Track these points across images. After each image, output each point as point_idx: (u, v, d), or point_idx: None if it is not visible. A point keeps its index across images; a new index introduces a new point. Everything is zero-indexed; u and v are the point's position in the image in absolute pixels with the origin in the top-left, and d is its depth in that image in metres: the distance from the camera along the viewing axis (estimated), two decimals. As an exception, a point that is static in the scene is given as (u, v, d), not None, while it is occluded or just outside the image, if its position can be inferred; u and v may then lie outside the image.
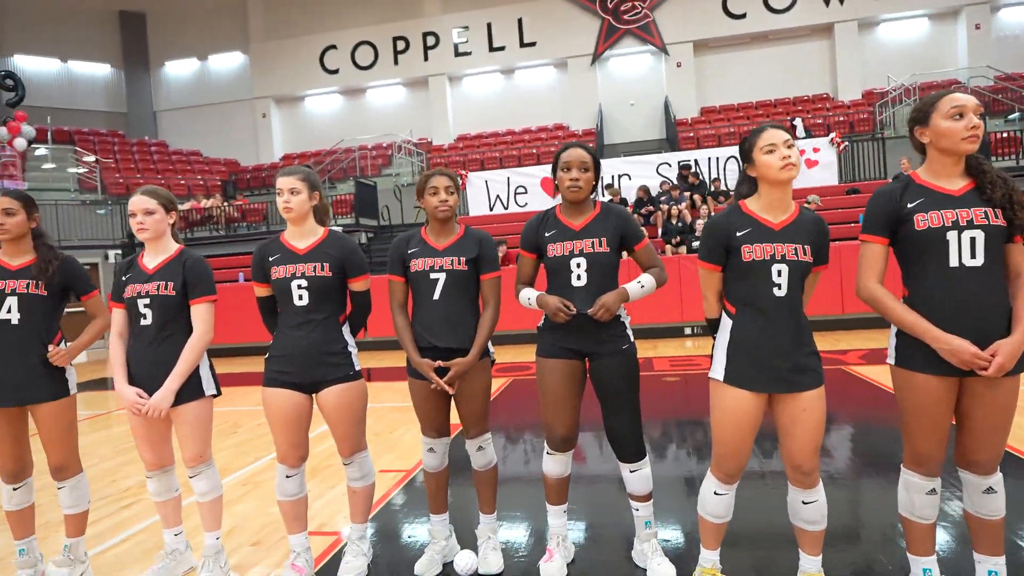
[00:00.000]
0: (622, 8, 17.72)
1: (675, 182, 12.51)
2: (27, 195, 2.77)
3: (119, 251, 14.52)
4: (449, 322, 2.64)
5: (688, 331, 10.09)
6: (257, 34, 19.96)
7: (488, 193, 13.78)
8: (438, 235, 2.71)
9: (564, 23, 18.05)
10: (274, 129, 20.19)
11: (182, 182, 17.53)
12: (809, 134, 14.33)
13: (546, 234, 2.56)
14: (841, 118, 15.22)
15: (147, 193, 2.66)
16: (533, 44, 18.29)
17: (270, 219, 15.00)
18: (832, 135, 12.57)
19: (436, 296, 2.64)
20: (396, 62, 19.14)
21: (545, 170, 13.93)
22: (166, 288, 2.60)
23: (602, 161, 13.88)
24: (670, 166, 12.99)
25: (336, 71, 19.50)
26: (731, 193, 12.83)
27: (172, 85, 20.97)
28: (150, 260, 2.68)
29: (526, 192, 13.71)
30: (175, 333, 2.63)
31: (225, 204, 14.92)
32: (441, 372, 2.64)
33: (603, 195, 13.00)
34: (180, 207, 15.07)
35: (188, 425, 2.65)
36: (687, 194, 11.68)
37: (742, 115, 16.83)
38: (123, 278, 2.67)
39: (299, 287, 2.58)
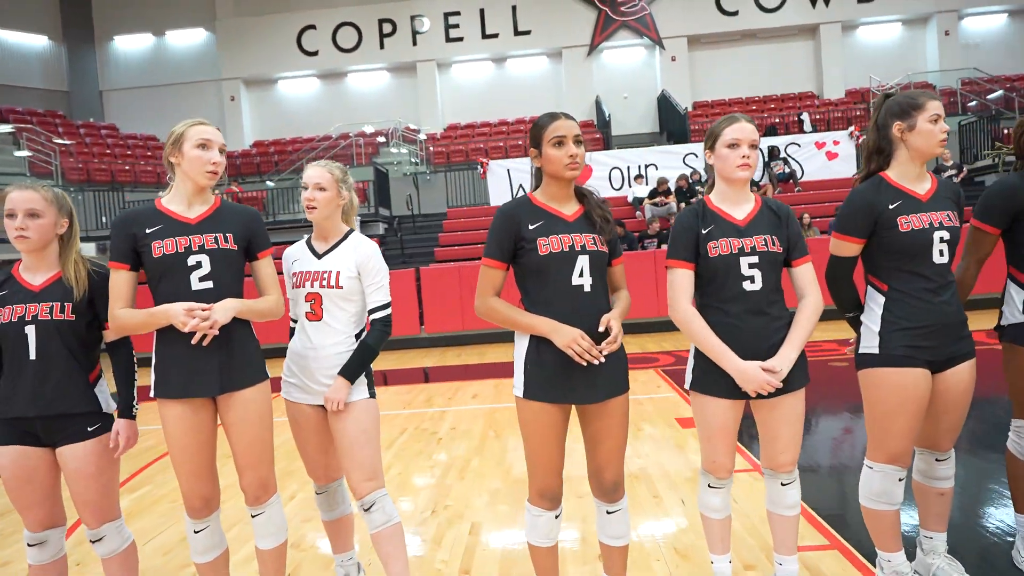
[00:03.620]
0: (619, 0, 17.82)
1: (704, 173, 12.67)
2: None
3: (93, 243, 13.09)
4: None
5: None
6: (225, 9, 18.58)
7: (510, 181, 13.45)
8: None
9: (560, 13, 17.95)
10: (244, 113, 18.88)
11: (128, 168, 15.80)
12: (815, 129, 14.94)
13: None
14: (839, 114, 16.00)
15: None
16: (527, 32, 18.07)
17: (269, 208, 13.97)
18: (852, 128, 13.15)
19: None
20: (382, 46, 18.37)
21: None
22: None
23: (627, 151, 14.31)
24: (696, 156, 13.15)
25: (315, 53, 18.47)
26: (761, 184, 13.27)
27: (122, 62, 19.16)
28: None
29: (549, 181, 13.47)
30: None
31: (215, 192, 13.70)
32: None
33: (630, 184, 13.01)
34: (163, 194, 13.92)
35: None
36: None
37: (735, 110, 17.33)
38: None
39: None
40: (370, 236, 13.31)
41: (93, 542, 2.28)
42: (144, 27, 18.93)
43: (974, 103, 15.63)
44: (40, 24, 18.24)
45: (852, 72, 17.78)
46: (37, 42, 18.39)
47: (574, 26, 17.98)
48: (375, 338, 2.36)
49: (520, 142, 16.23)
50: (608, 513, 2.18)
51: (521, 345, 2.08)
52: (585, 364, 1.97)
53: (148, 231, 2.16)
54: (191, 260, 2.15)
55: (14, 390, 2.16)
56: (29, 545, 2.23)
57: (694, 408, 2.24)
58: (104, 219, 14.03)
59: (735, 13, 17.80)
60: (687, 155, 13.25)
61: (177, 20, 18.84)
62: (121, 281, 2.17)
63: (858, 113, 15.91)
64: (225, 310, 2.12)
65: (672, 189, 11.99)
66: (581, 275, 2.03)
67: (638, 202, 12.32)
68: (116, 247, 2.17)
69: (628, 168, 13.32)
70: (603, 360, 1.98)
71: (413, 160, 16.54)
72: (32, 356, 2.16)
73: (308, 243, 2.48)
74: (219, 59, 18.66)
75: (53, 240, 2.21)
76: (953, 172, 11.50)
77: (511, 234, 2.05)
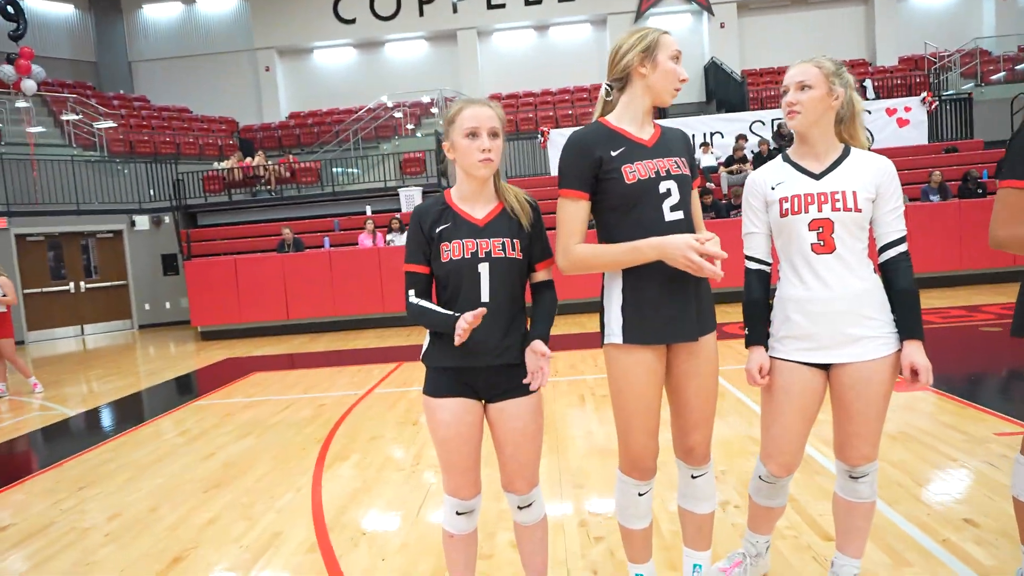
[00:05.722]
0: (667, -36, 17.26)
1: (772, 141, 12.32)
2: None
3: (147, 215, 12.78)
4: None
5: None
6: (258, -24, 17.97)
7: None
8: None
9: (606, -23, 17.39)
10: (279, 84, 18.37)
11: (169, 140, 15.34)
12: (878, 96, 14.54)
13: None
14: (899, 81, 15.56)
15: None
16: (572, -1, 17.52)
17: (325, 180, 13.59)
18: (924, 95, 12.77)
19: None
20: (421, 13, 17.82)
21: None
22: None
23: (690, 119, 13.93)
24: (763, 124, 12.80)
25: (352, 21, 17.93)
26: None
27: (151, 32, 18.59)
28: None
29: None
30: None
31: (270, 163, 13.35)
32: None
33: (700, 152, 12.65)
34: (219, 166, 13.51)
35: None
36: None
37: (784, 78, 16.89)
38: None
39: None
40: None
41: (521, 508, 2.02)
42: (173, -6, 18.35)
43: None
44: (67, -8, 17.67)
45: (906, 39, 17.31)
46: (64, 11, 17.82)
47: (621, -8, 17.45)
48: (908, 279, 1.94)
49: (570, 112, 15.83)
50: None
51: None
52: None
53: (614, 153, 1.87)
54: (662, 187, 1.87)
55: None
56: (458, 513, 1.99)
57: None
58: (152, 191, 13.67)
59: (786, -23, 17.27)
60: (754, 122, 12.88)
61: (208, -13, 18.26)
62: (580, 213, 1.89)
63: (918, 80, 15.49)
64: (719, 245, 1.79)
65: (749, 156, 11.64)
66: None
67: (710, 171, 11.98)
68: (577, 173, 1.88)
69: (692, 136, 12.94)
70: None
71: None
72: (485, 298, 1.89)
73: (790, 161, 2.05)
74: (252, 28, 18.10)
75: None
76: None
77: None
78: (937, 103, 12.91)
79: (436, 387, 1.94)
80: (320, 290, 10.22)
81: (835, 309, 1.92)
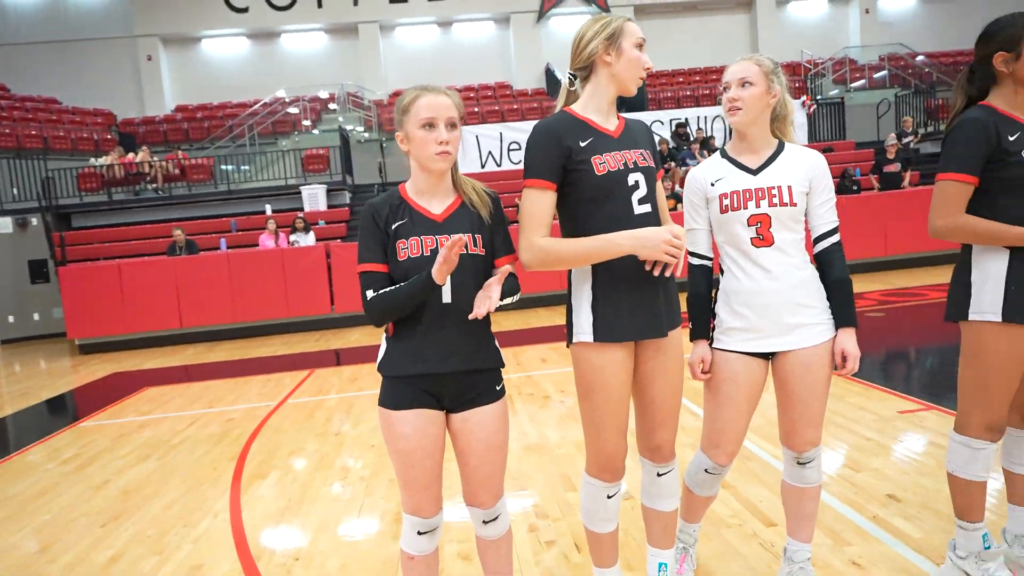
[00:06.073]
0: (568, -34, 17.55)
1: (671, 141, 12.82)
2: None
3: (10, 217, 11.41)
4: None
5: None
6: (136, -43, 16.56)
7: (479, 148, 13.02)
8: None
9: (508, -24, 17.43)
10: (164, 75, 17.02)
11: (35, 134, 13.79)
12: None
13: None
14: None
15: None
16: (475, -4, 17.42)
17: (219, 178, 12.70)
18: (804, 98, 13.72)
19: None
20: (320, 4, 17.09)
21: (539, 125, 13.50)
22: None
23: None
24: (663, 124, 13.28)
25: (245, 10, 16.92)
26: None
27: (11, 15, 16.66)
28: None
29: (520, 149, 13.17)
30: None
31: (156, 159, 12.31)
32: None
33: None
34: (97, 162, 12.28)
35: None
36: (700, 149, 12.04)
37: (681, 80, 17.68)
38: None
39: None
40: (338, 206, 12.49)
41: (486, 523, 1.87)
42: (37, -26, 16.56)
43: (882, 74, 16.77)
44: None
45: (785, 46, 18.55)
46: (-99, -14, 15.65)
47: (523, -9, 17.56)
48: (842, 268, 2.01)
49: (476, 109, 15.73)
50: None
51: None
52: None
53: (583, 144, 1.77)
54: (631, 179, 1.81)
55: (424, 340, 1.75)
56: (419, 533, 1.81)
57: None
58: (15, 190, 12.24)
59: (679, -16, 18.04)
60: (653, 122, 13.33)
61: (78, -33, 16.62)
62: (547, 204, 1.79)
63: (797, 85, 16.64)
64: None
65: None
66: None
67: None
68: (545, 162, 1.78)
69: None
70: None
71: (358, 128, 15.66)
72: (447, 299, 1.74)
73: (728, 157, 2.06)
74: (133, 14, 16.65)
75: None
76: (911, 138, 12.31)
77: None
78: (815, 106, 13.92)
79: (395, 398, 1.78)
80: (218, 295, 9.53)
81: (776, 300, 1.95)
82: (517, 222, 1.86)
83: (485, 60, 17.91)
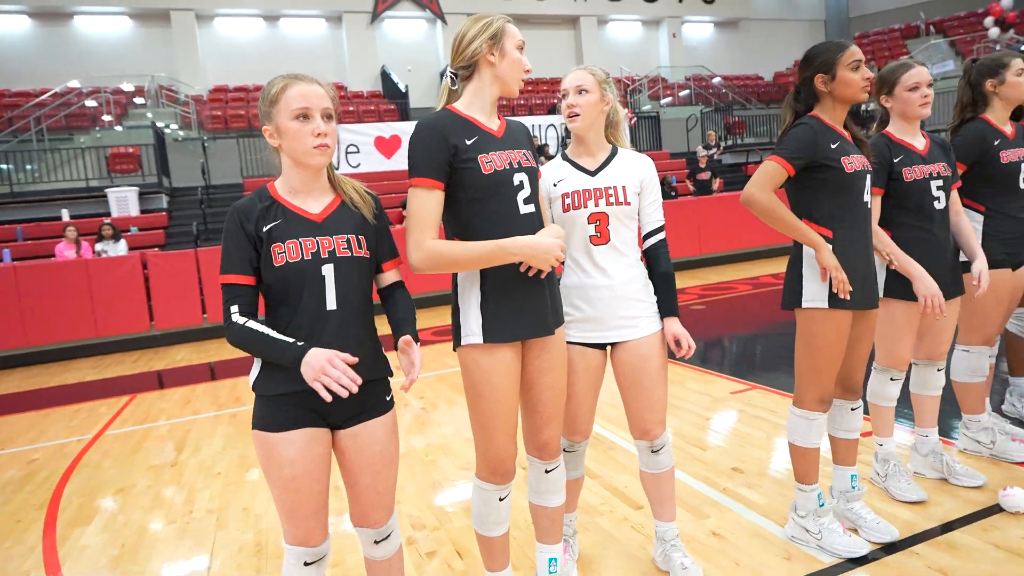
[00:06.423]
0: (401, -31, 17.36)
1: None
2: None
3: None
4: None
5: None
6: None
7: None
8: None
9: (339, -26, 16.83)
10: (-86, 54, 14.11)
11: None
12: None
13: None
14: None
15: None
16: (304, -9, 16.60)
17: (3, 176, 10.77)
18: (626, 111, 14.82)
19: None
20: (122, -15, 15.22)
21: (378, 128, 13.19)
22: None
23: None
24: (501, 130, 13.63)
25: (26, -16, 14.56)
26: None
27: None
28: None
29: (358, 151, 12.84)
30: None
31: None
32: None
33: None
34: None
35: None
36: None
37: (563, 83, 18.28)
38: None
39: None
40: (153, 210, 11.22)
41: (378, 542, 1.72)
42: None
43: (687, 93, 18.79)
44: None
45: (607, 62, 19.96)
46: None
47: (355, -10, 17.06)
48: (668, 263, 2.19)
49: (309, 109, 14.98)
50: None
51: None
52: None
53: (468, 142, 1.72)
54: (516, 179, 1.79)
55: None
56: (306, 564, 1.62)
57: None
58: None
59: (511, -4, 18.65)
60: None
61: None
62: (435, 204, 1.72)
63: (620, 98, 17.97)
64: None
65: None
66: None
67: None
68: (431, 161, 1.71)
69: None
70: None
71: (172, 125, 14.21)
72: (332, 306, 1.58)
73: (568, 160, 2.18)
74: None
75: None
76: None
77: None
78: (636, 119, 15.13)
79: (276, 419, 1.61)
80: (2, 315, 8.09)
81: (611, 295, 2.10)
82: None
83: (317, 59, 17.12)
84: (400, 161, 12.73)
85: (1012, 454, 2.87)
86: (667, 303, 2.16)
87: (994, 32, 17.23)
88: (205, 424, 4.82)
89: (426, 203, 1.74)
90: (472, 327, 1.81)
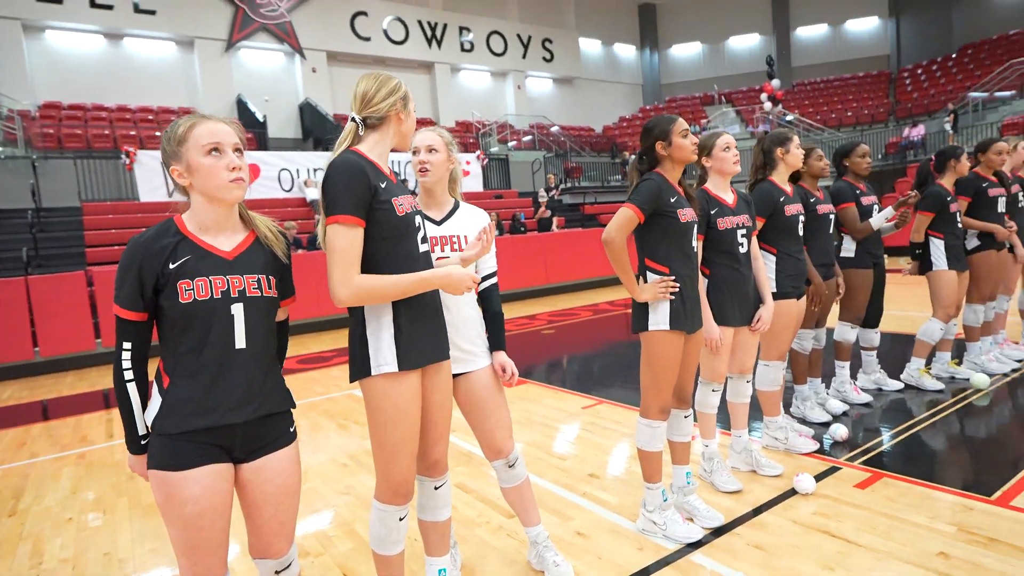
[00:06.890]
0: (259, 1, 16.57)
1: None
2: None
3: None
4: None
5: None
6: None
7: (166, 176, 11.32)
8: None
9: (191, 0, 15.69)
10: None
11: None
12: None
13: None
14: (457, 140, 18.25)
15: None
16: (152, 12, 15.23)
17: None
18: (478, 152, 15.32)
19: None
20: (-74, -15, 12.95)
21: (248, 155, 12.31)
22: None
23: (294, 154, 13.38)
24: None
25: None
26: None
27: None
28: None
29: (213, 178, 11.89)
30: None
31: None
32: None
33: (302, 188, 12.47)
34: None
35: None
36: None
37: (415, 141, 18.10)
38: None
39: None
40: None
41: (279, 572, 1.62)
42: None
43: (529, 139, 19.91)
44: None
45: (459, 107, 20.51)
46: None
47: (209, 17, 15.97)
48: (498, 303, 2.34)
49: (158, 132, 13.69)
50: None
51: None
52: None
53: (382, 185, 1.75)
54: (416, 221, 1.88)
55: (212, 389, 1.52)
56: None
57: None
58: None
59: (368, 39, 18.55)
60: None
61: None
62: (359, 241, 1.74)
63: (471, 140, 18.50)
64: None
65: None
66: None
67: (316, 205, 11.94)
68: (353, 199, 1.72)
69: (297, 171, 12.72)
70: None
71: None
72: (241, 344, 1.51)
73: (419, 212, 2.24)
74: None
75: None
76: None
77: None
78: (487, 160, 15.66)
79: (177, 457, 1.52)
80: None
81: (453, 332, 2.20)
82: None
83: (166, 82, 15.74)
84: (260, 190, 12.05)
85: (800, 447, 3.41)
86: (496, 338, 2.31)
87: (768, 105, 20.26)
88: (46, 466, 4.20)
89: (351, 240, 1.73)
90: (385, 356, 1.82)
